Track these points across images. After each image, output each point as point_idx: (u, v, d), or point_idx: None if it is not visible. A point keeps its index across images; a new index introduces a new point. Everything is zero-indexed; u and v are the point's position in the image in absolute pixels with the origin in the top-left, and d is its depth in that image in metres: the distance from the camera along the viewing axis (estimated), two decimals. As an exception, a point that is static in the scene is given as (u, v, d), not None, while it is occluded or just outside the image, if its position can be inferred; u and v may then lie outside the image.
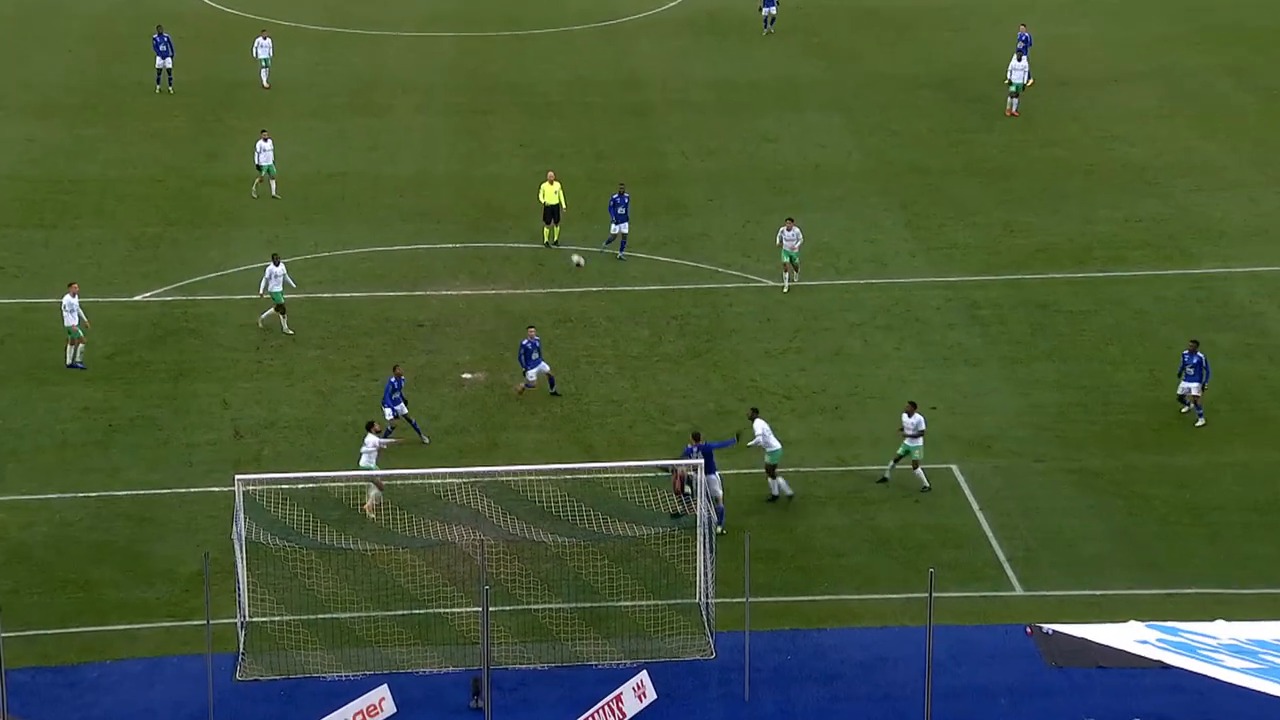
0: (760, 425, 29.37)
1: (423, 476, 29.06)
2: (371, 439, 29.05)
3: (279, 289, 35.15)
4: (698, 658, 25.64)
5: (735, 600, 25.64)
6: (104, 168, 44.59)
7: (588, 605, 26.56)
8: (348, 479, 28.70)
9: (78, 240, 40.15)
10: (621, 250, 39.28)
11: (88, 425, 31.48)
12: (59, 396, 32.52)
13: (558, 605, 26.58)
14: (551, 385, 33.16)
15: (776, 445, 29.42)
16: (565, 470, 29.16)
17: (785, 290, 37.61)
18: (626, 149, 47.55)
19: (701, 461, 27.55)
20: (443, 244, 40.99)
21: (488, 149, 47.82)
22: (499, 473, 28.83)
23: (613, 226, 39.66)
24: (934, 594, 22.26)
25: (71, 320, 32.86)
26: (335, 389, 33.68)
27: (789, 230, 37.79)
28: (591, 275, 39.16)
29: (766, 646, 25.40)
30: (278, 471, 28.92)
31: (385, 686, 24.12)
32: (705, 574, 26.44)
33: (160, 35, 49.43)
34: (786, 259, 37.96)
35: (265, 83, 51.06)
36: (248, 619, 25.82)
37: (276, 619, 25.93)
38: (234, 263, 39.13)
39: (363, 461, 28.88)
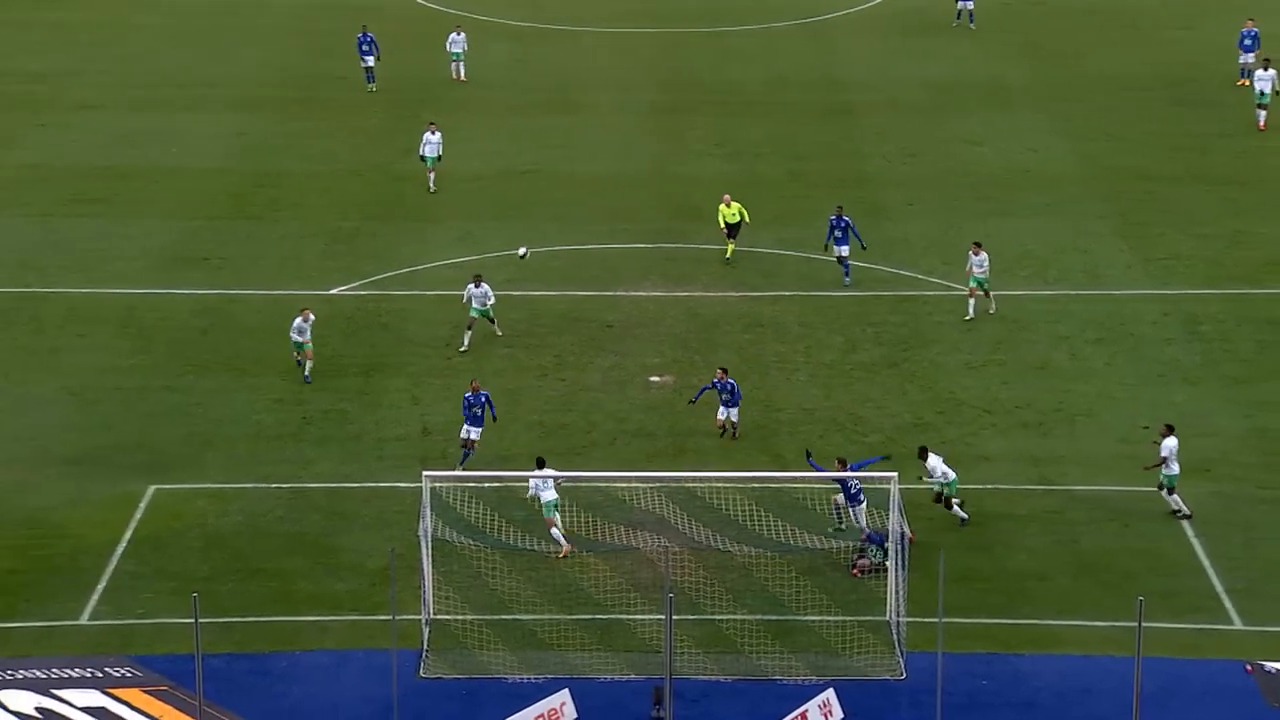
0: (934, 461, 28.64)
1: (608, 480, 29.08)
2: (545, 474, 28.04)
3: (481, 307, 35.16)
4: (887, 678, 25.12)
5: (928, 620, 25.03)
6: (306, 162, 45.79)
7: (774, 618, 26.22)
8: (526, 478, 28.79)
9: (279, 233, 41.28)
10: (847, 275, 38.22)
11: (282, 417, 32.30)
12: (256, 388, 33.45)
13: (743, 616, 26.31)
14: (733, 432, 31.72)
15: (952, 475, 28.72)
16: (754, 478, 28.87)
17: (968, 319, 36.34)
18: (826, 150, 47.08)
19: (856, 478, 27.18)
20: (635, 244, 41.08)
21: (684, 148, 47.82)
22: (685, 478, 28.69)
23: (835, 249, 38.30)
24: (1143, 623, 21.39)
25: (300, 338, 33.29)
26: (523, 388, 33.96)
27: (976, 255, 36.32)
28: (786, 279, 38.82)
29: (960, 670, 24.74)
30: (465, 469, 29.24)
31: (566, 691, 24.16)
32: (897, 591, 25.90)
33: (365, 35, 50.53)
34: (974, 284, 36.50)
35: (461, 76, 51.90)
36: (432, 616, 26.14)
37: (460, 618, 26.19)
38: (427, 258, 39.80)
39: (545, 497, 27.99)
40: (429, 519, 26.23)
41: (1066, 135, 47.06)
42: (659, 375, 34.59)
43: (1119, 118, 48.07)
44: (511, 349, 35.61)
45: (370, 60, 50.46)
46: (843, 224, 38.16)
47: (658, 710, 23.98)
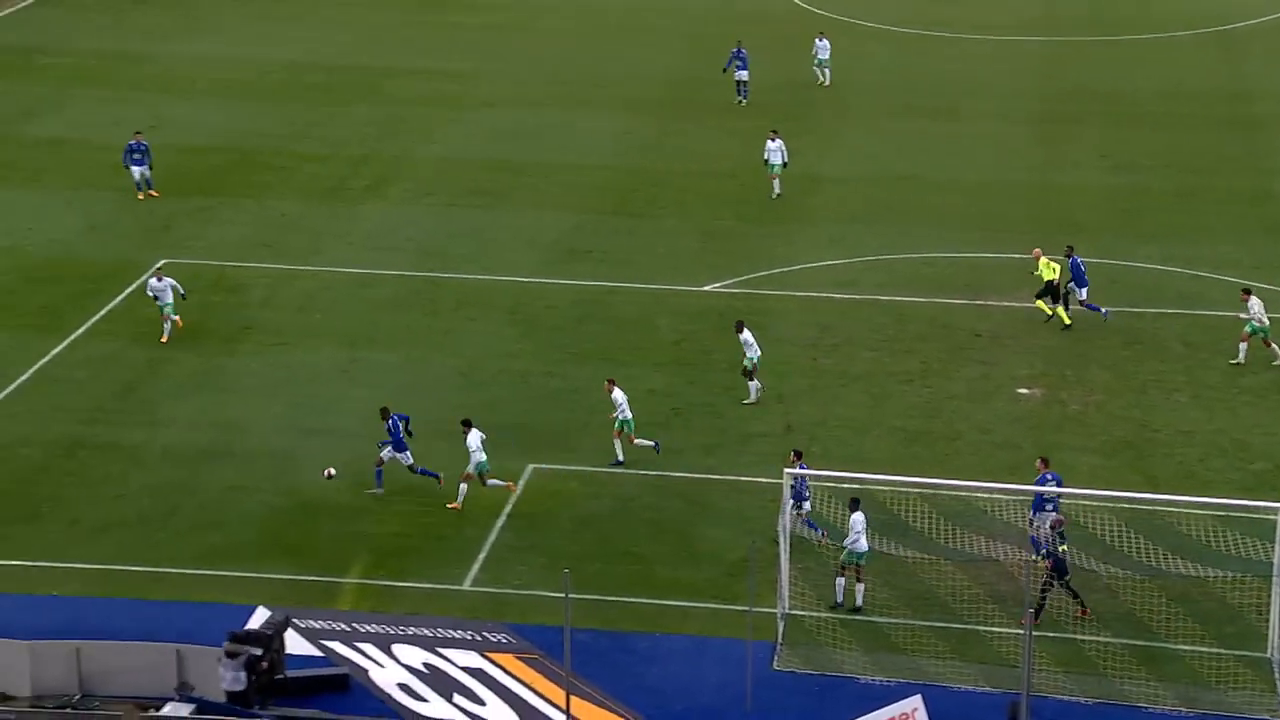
0: None
1: (970, 490, 28.78)
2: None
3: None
4: (1265, 717, 23.98)
5: (1309, 661, 23.81)
6: (685, 162, 46.99)
7: (1140, 643, 25.44)
8: (892, 483, 28.84)
9: (657, 230, 42.55)
10: (1101, 311, 36.10)
11: (653, 407, 33.34)
12: (629, 378, 34.56)
13: (1107, 639, 25.62)
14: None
15: None
16: (1124, 498, 28.02)
17: (1234, 362, 33.86)
18: (1224, 164, 45.10)
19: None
20: (1009, 254, 40.40)
21: (1065, 158, 46.66)
22: (1053, 494, 28.09)
23: (1079, 292, 36.08)
24: None
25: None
26: (888, 393, 33.99)
27: (1246, 302, 33.96)
28: (1168, 296, 37.40)
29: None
30: (824, 469, 29.52)
31: (919, 697, 24.09)
32: (1278, 627, 24.68)
33: (739, 50, 51.03)
34: (1248, 331, 33.93)
35: (826, 81, 52.05)
36: (787, 611, 26.57)
37: (815, 614, 26.52)
38: (798, 259, 40.27)
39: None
40: (789, 515, 26.64)
41: None
42: (1027, 387, 33.97)
43: None
44: (878, 353, 35.66)
45: (743, 74, 50.90)
46: (1075, 263, 35.97)
47: (1011, 725, 23.66)
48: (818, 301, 37.69)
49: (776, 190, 43.41)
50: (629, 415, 30.92)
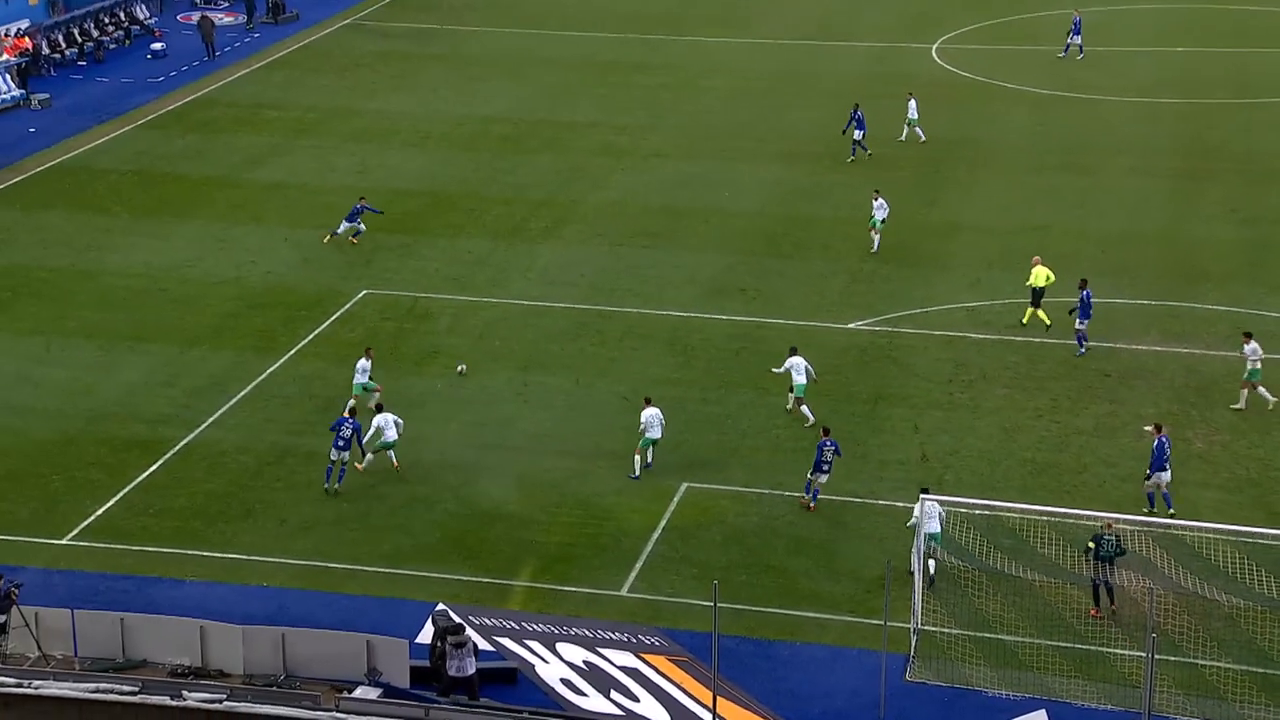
0: None
1: (1093, 519, 27.96)
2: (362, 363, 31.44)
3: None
4: (1374, 746, 22.88)
5: None
6: (835, 209, 46.68)
7: (1261, 670, 24.42)
8: (1023, 510, 28.21)
9: (806, 271, 42.31)
10: (1082, 350, 35.62)
11: (798, 433, 33.11)
12: (776, 406, 34.49)
13: (1227, 665, 24.65)
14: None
15: None
16: (1246, 533, 26.96)
17: (1234, 407, 32.49)
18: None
19: None
20: (1138, 299, 39.27)
21: (1196, 212, 45.27)
22: (1175, 526, 27.19)
23: (1079, 321, 35.93)
24: None
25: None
26: (1018, 426, 33.25)
27: (1246, 345, 32.62)
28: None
29: None
30: (957, 495, 28.99)
31: (1044, 711, 23.49)
32: (1394, 662, 23.51)
33: (855, 111, 50.27)
34: (1246, 378, 32.58)
35: (921, 138, 51.06)
36: (920, 626, 26.09)
37: (946, 630, 26.01)
38: (935, 301, 39.67)
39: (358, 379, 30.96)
40: (924, 537, 26.18)
41: None
42: (1151, 425, 32.90)
43: None
44: (1010, 390, 34.94)
45: (859, 134, 50.13)
46: (1085, 296, 35.75)
47: (1131, 742, 22.90)
48: (954, 340, 37.05)
49: (875, 245, 42.60)
50: (656, 435, 30.93)
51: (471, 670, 24.01)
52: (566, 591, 27.70)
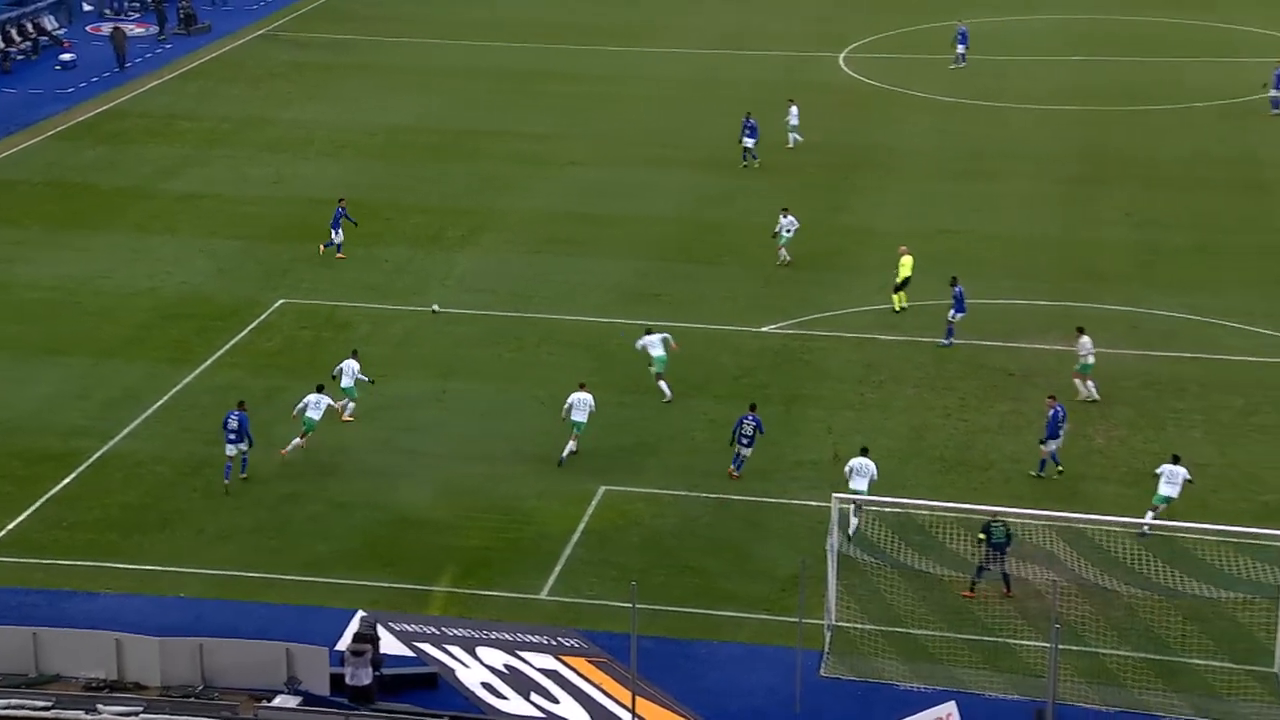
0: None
1: (999, 514, 28.31)
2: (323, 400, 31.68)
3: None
4: (1267, 728, 23.46)
5: (1314, 677, 23.20)
6: (744, 215, 46.94)
7: (1157, 657, 24.96)
8: (930, 507, 28.57)
9: (721, 276, 42.49)
10: (949, 343, 36.69)
11: (714, 435, 33.24)
12: (693, 409, 34.61)
13: (1126, 653, 25.17)
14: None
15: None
16: (1139, 524, 27.53)
17: (1080, 398, 33.58)
18: (1240, 224, 44.57)
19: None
20: (1039, 301, 39.97)
21: (1094, 216, 46.17)
22: (1076, 520, 27.71)
23: (954, 315, 37.21)
24: None
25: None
26: (927, 425, 33.68)
27: (1079, 339, 33.96)
28: (1185, 341, 36.85)
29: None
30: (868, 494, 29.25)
31: (953, 703, 23.78)
32: (1284, 645, 24.14)
33: (747, 119, 50.61)
34: (1077, 369, 33.75)
35: (796, 140, 51.64)
36: (834, 623, 26.31)
37: (859, 626, 26.25)
38: (846, 304, 40.05)
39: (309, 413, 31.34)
40: (835, 536, 26.43)
41: None
42: (1049, 396, 33.47)
43: None
44: (919, 389, 35.38)
45: (750, 142, 50.42)
46: (957, 292, 36.98)
47: (1037, 730, 23.28)
48: (865, 342, 37.43)
49: (784, 258, 42.70)
50: (581, 419, 31.64)
51: (368, 680, 23.77)
52: (487, 596, 27.57)
